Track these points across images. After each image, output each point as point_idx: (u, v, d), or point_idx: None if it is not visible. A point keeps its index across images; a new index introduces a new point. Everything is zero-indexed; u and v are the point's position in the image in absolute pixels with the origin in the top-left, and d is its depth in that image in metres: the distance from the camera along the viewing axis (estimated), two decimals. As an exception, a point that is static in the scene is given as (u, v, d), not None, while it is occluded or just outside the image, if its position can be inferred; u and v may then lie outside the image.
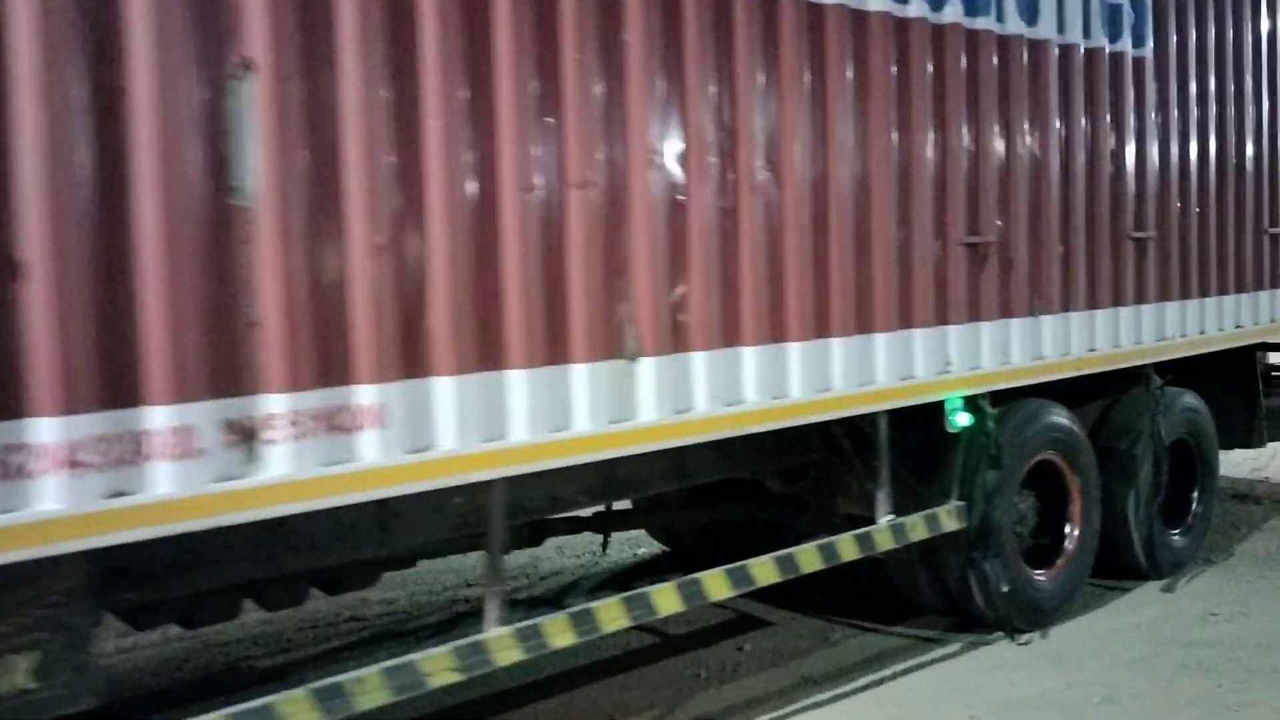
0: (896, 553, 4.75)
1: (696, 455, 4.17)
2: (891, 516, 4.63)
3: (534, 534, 4.59)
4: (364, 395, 3.03)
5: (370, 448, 3.06)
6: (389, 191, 3.09)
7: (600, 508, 4.82)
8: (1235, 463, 7.79)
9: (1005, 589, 4.94)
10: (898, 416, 4.60)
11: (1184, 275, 5.94)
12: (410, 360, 3.13)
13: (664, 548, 6.56)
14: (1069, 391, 5.46)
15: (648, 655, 4.97)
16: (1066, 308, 5.24)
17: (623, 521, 5.33)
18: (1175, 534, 6.16)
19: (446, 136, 3.17)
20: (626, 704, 4.44)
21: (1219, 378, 6.54)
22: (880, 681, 4.65)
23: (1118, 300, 5.51)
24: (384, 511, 3.48)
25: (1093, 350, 5.40)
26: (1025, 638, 5.05)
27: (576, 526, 4.91)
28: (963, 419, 4.79)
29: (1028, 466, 5.19)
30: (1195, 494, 6.34)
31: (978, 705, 4.34)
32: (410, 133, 3.12)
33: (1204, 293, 6.07)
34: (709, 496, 5.14)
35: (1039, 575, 5.29)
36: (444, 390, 3.18)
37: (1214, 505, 6.51)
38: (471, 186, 3.25)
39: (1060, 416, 5.38)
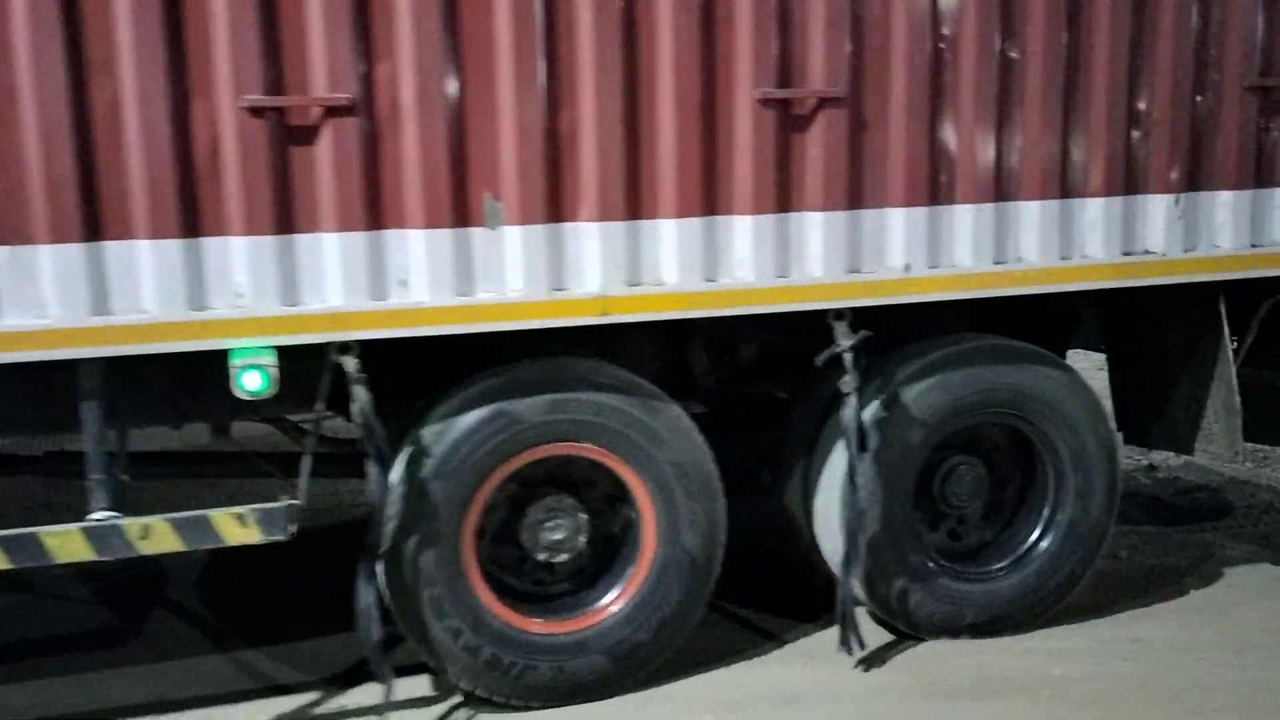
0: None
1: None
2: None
3: None
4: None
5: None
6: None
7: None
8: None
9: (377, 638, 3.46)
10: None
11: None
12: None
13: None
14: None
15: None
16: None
17: None
18: (975, 576, 4.20)
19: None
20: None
21: (1140, 331, 4.58)
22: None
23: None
24: None
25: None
26: None
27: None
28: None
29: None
30: (1039, 517, 4.27)
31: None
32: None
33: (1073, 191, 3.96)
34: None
35: (535, 621, 3.72)
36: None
37: (1091, 540, 4.22)
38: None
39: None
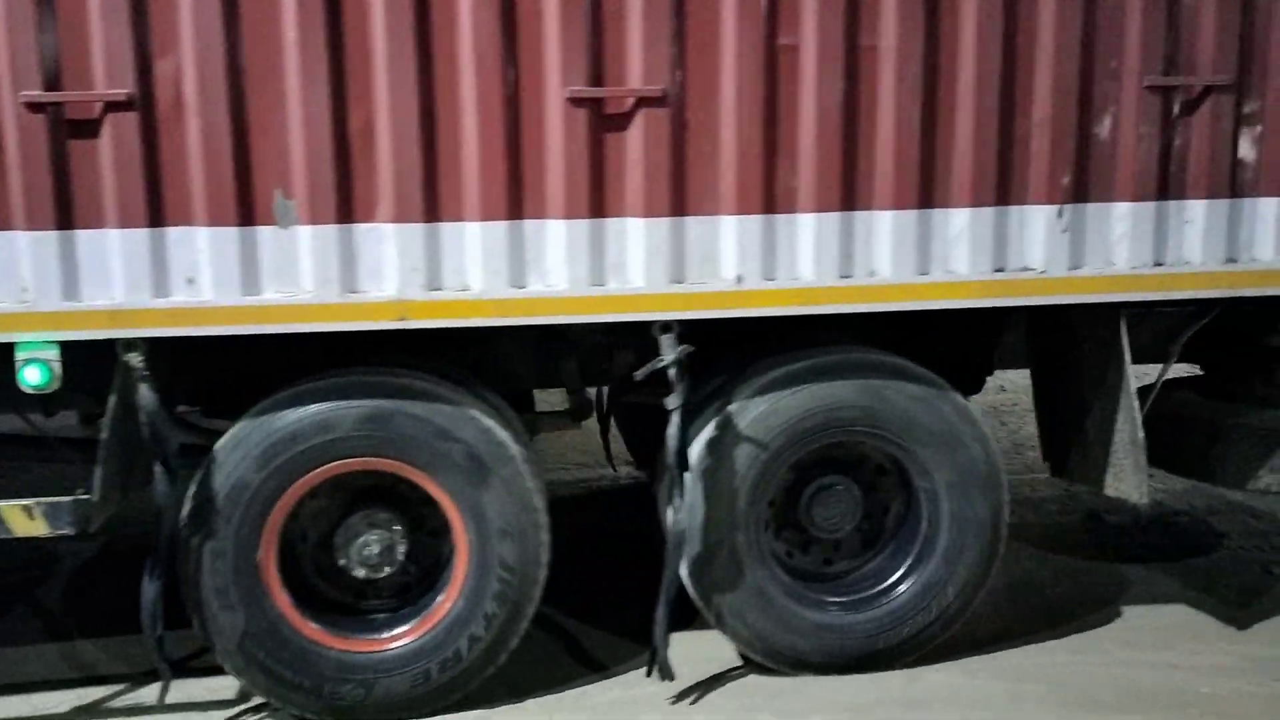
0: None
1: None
2: None
3: None
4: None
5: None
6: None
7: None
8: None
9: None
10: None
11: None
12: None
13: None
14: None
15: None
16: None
17: None
18: (833, 606, 3.87)
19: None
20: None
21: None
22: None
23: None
24: None
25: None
26: None
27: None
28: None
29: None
30: (908, 550, 3.91)
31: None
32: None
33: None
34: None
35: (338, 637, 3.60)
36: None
37: (966, 580, 3.85)
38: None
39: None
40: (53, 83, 3.19)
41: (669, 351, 3.54)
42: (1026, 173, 3.61)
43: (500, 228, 3.43)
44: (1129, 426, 3.84)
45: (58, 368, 3.31)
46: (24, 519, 3.43)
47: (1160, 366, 4.11)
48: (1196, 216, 3.70)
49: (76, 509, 3.42)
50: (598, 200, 3.46)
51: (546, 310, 3.50)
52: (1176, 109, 3.64)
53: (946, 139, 3.56)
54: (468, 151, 3.38)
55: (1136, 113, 3.61)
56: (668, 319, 3.54)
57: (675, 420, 3.58)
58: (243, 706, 3.73)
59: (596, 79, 3.39)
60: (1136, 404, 3.81)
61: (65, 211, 3.26)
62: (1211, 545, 5.27)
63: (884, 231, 3.57)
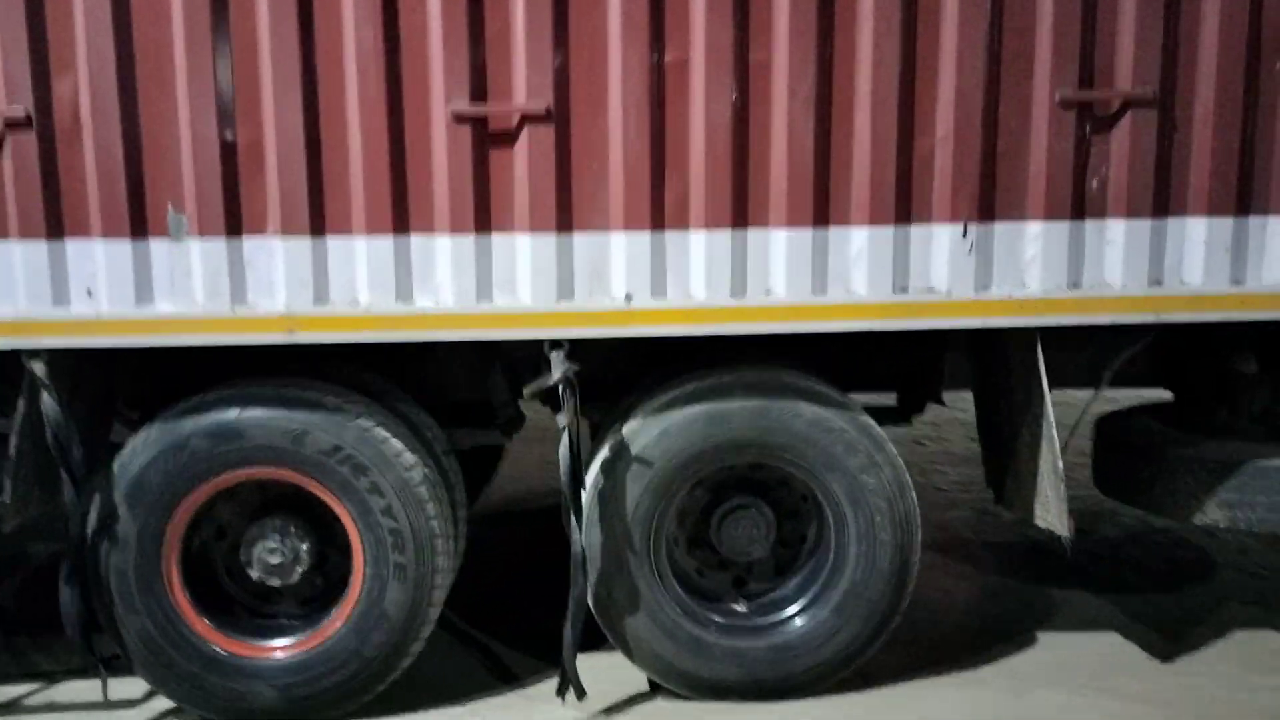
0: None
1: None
2: None
3: None
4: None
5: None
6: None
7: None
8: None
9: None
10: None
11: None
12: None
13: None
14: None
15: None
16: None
17: None
18: (734, 631, 3.79)
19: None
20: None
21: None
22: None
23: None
24: None
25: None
26: None
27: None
28: None
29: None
30: (814, 579, 3.82)
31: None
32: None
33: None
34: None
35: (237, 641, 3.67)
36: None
37: (870, 616, 3.73)
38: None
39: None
40: (-41, 102, 3.35)
41: (558, 369, 3.51)
42: (929, 191, 3.47)
43: (386, 243, 3.45)
44: (1050, 455, 3.66)
45: (-41, 373, 3.47)
46: (-63, 518, 3.59)
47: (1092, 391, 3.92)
48: (1117, 237, 3.51)
49: (-14, 510, 3.57)
50: (484, 217, 3.45)
51: (433, 326, 3.51)
52: (1093, 123, 3.47)
53: (843, 156, 3.45)
54: (354, 168, 3.42)
55: (1048, 128, 3.44)
56: (555, 337, 3.52)
57: (564, 439, 3.55)
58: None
59: (481, 96, 3.40)
60: (1055, 432, 3.64)
61: (-31, 224, 3.42)
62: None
63: (779, 250, 3.49)
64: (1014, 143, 3.46)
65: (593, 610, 3.73)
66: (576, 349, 3.56)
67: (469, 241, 3.46)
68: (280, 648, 3.71)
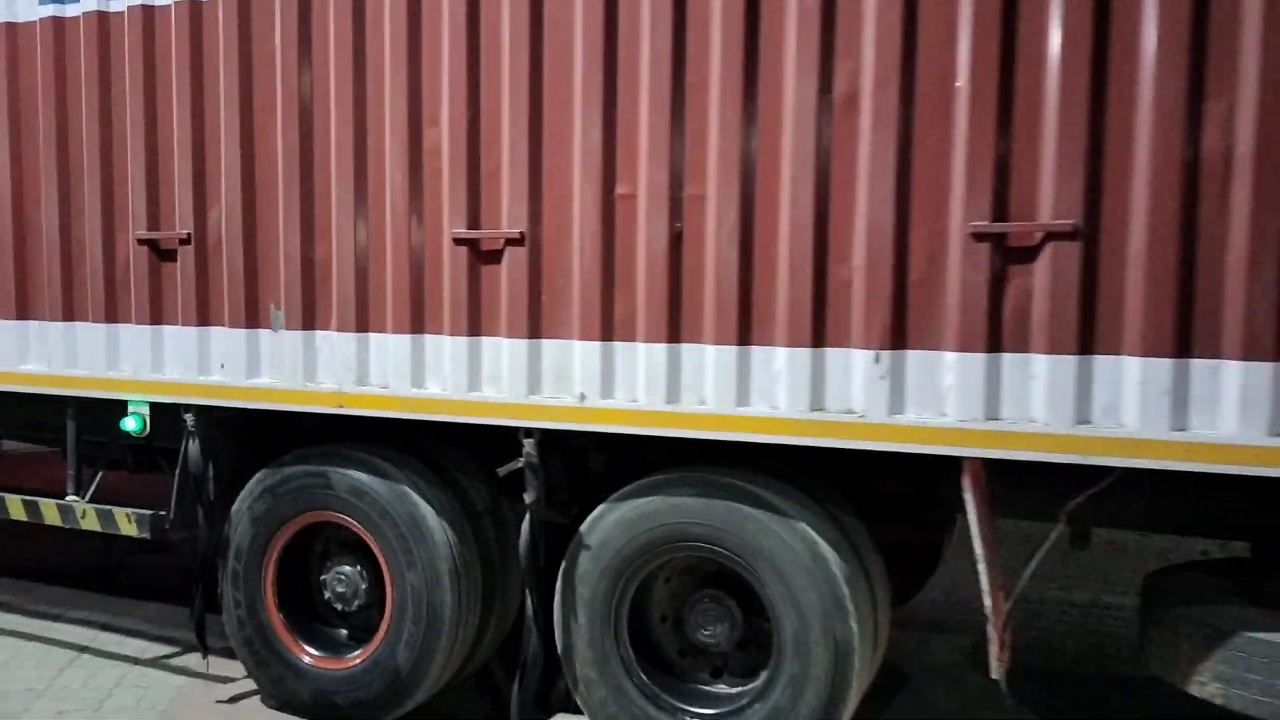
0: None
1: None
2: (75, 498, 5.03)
3: None
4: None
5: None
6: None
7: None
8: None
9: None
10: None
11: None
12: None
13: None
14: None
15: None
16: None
17: None
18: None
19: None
20: None
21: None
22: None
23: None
24: None
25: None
26: None
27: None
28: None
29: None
30: (756, 682, 3.98)
31: None
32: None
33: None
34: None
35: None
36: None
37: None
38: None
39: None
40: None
41: (527, 455, 4.08)
42: (845, 317, 3.60)
43: (405, 340, 4.26)
44: (987, 590, 3.54)
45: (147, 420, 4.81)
46: (126, 522, 4.93)
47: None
48: (1040, 372, 3.37)
49: (156, 522, 4.86)
50: (475, 321, 4.15)
51: (435, 409, 4.24)
52: (1011, 255, 3.39)
53: (765, 280, 3.69)
54: (391, 283, 4.28)
55: (961, 259, 3.43)
56: (526, 426, 4.09)
57: (526, 517, 4.09)
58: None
59: (474, 223, 4.11)
60: (984, 567, 3.52)
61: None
62: None
63: (709, 364, 3.79)
64: (927, 273, 3.48)
65: (568, 679, 4.21)
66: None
67: (464, 341, 4.17)
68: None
